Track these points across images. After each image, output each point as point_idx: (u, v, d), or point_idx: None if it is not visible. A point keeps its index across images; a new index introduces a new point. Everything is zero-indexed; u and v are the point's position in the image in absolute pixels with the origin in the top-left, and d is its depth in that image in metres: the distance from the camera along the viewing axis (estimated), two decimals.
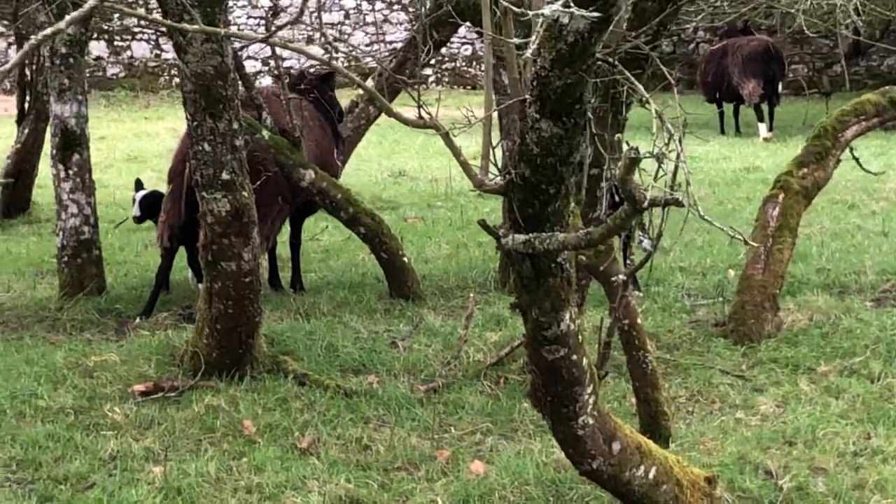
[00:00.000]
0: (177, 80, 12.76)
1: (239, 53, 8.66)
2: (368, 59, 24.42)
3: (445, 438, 6.85)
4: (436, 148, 18.00)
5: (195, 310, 8.28)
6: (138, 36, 28.80)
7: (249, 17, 28.86)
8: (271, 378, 7.63)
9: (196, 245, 7.94)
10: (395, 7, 29.47)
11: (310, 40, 25.59)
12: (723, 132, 21.61)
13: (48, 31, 2.78)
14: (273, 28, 6.69)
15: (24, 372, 7.78)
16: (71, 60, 9.66)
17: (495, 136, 9.42)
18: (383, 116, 10.88)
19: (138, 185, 10.27)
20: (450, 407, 7.32)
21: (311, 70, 10.70)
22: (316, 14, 8.81)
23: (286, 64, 23.60)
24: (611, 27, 4.23)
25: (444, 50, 26.05)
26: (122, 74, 29.05)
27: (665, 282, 10.13)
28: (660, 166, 4.44)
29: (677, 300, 9.56)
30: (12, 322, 9.26)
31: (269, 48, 13.62)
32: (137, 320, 9.12)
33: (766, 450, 6.55)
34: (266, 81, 26.63)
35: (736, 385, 7.69)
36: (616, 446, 5.20)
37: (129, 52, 29.10)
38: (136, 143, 20.41)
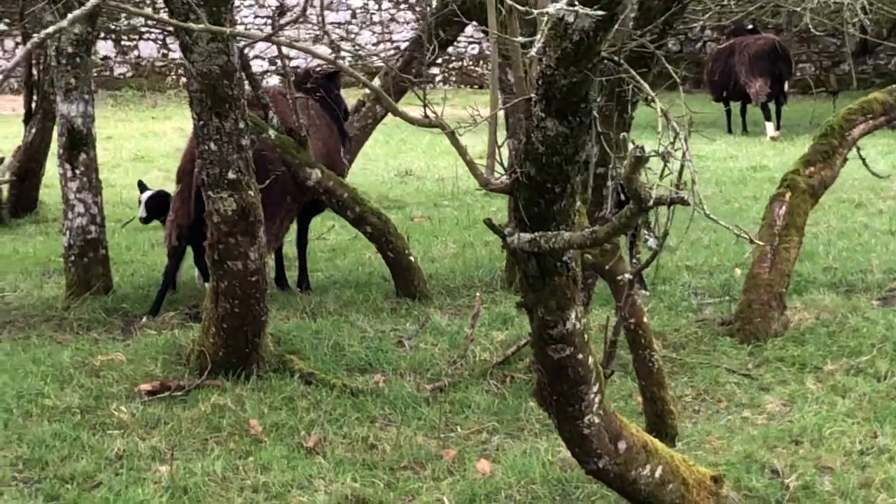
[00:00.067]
0: (184, 79, 12.80)
1: (245, 53, 8.65)
2: (374, 58, 24.45)
3: (451, 437, 6.85)
4: (442, 147, 17.99)
5: (201, 309, 8.28)
6: (145, 35, 28.83)
7: (257, 16, 28.88)
8: (277, 377, 7.63)
9: (203, 244, 7.95)
10: (402, 6, 29.47)
11: (316, 40, 25.58)
12: (730, 131, 21.59)
13: (50, 28, 2.78)
14: (281, 29, 6.69)
15: (30, 371, 7.79)
16: (77, 60, 9.67)
17: (501, 135, 9.43)
18: (390, 116, 10.88)
19: (141, 186, 10.28)
20: (456, 406, 7.32)
21: (317, 69, 10.69)
22: (323, 13, 8.79)
23: (294, 63, 23.62)
24: (616, 26, 4.23)
25: (450, 49, 26.06)
26: (129, 74, 29.07)
27: (671, 280, 10.12)
28: (665, 165, 4.43)
29: (684, 299, 9.55)
30: (19, 321, 9.26)
31: (275, 47, 13.64)
32: (144, 319, 9.13)
33: (772, 448, 6.54)
34: (273, 81, 26.64)
35: (742, 384, 7.69)
36: (622, 445, 5.20)
37: (136, 52, 29.12)
38: (143, 142, 20.43)
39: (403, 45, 13.55)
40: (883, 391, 7.43)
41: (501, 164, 5.70)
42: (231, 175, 7.44)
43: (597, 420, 5.11)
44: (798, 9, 10.89)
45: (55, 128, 10.45)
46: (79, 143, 9.76)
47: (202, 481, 6.14)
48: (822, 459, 6.39)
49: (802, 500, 5.97)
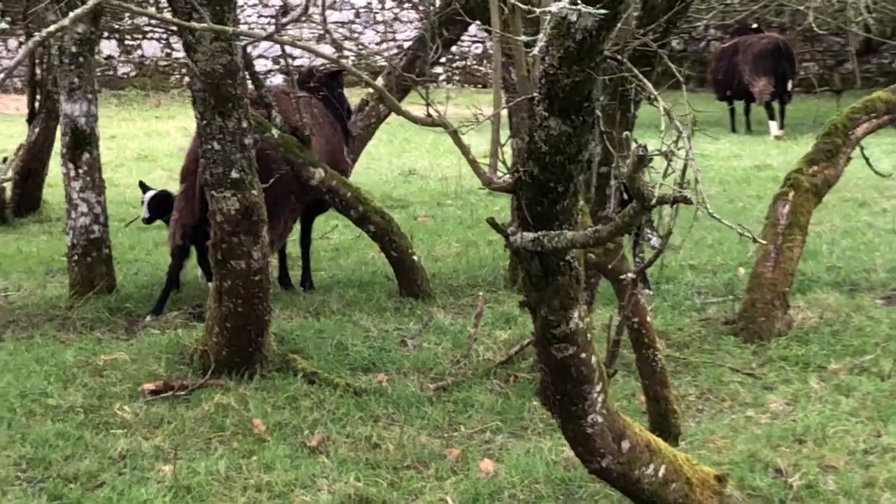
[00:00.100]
0: (187, 79, 12.79)
1: (248, 52, 8.65)
2: (378, 56, 24.44)
3: (455, 437, 6.85)
4: (446, 146, 17.99)
5: (205, 308, 8.28)
6: (149, 35, 28.83)
7: (260, 16, 28.89)
8: (281, 376, 7.64)
9: (206, 244, 7.95)
10: (406, 5, 29.47)
11: (320, 39, 25.60)
12: (734, 130, 21.60)
13: (52, 27, 2.78)
14: (283, 27, 6.68)
15: (34, 370, 7.80)
16: (81, 59, 9.67)
17: (505, 134, 9.42)
18: (393, 115, 10.88)
19: (143, 187, 10.29)
20: (459, 405, 7.32)
21: (321, 68, 10.68)
22: (324, 12, 8.78)
23: (298, 63, 23.62)
24: (619, 25, 4.23)
25: (454, 48, 26.03)
26: (132, 73, 29.07)
27: (675, 280, 10.12)
28: (668, 164, 4.43)
29: (687, 298, 9.55)
30: (23, 321, 9.27)
31: (279, 46, 13.63)
32: (147, 319, 9.13)
33: (776, 448, 6.53)
34: (277, 80, 26.64)
35: (746, 383, 7.68)
36: (625, 444, 5.19)
37: (139, 52, 29.12)
38: (146, 141, 20.43)
39: (407, 45, 13.54)
40: (887, 390, 7.43)
41: (504, 164, 5.70)
42: (234, 174, 7.44)
43: (600, 419, 5.10)
44: (802, 8, 10.88)
45: (59, 127, 10.46)
46: (82, 143, 9.76)
47: (205, 480, 6.14)
48: (826, 459, 6.39)
49: (806, 499, 5.97)
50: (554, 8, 4.11)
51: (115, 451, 6.54)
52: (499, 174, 5.28)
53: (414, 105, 5.71)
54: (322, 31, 24.53)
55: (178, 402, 7.26)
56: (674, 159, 4.40)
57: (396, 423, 7.02)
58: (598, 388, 5.06)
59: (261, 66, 25.48)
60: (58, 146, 10.53)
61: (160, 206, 9.97)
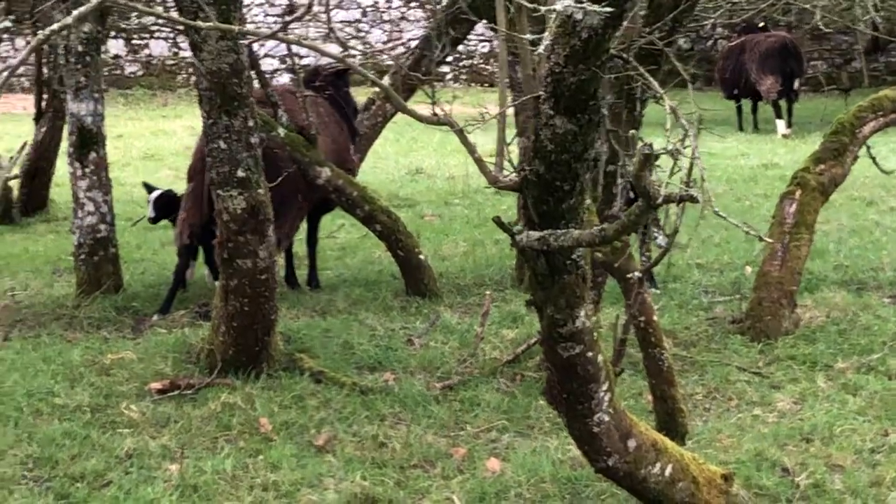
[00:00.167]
0: (194, 78, 12.76)
1: (254, 51, 8.65)
2: (384, 55, 24.43)
3: (461, 436, 6.84)
4: (453, 145, 17.96)
5: (211, 307, 8.28)
6: (156, 34, 28.85)
7: (267, 15, 28.90)
8: (287, 376, 7.64)
9: (213, 243, 7.95)
10: (413, 4, 29.47)
11: (327, 38, 25.59)
12: (741, 129, 21.58)
13: (55, 25, 2.78)
14: (287, 26, 6.68)
15: (40, 370, 7.80)
16: (87, 58, 9.68)
17: (511, 132, 9.41)
18: (400, 114, 10.88)
19: (148, 187, 10.29)
20: (466, 404, 7.31)
21: (326, 66, 10.68)
22: (330, 10, 8.79)
23: (305, 62, 23.62)
24: (625, 23, 4.22)
25: (461, 47, 26.03)
26: (139, 73, 29.09)
27: (682, 279, 10.12)
28: (675, 163, 4.42)
29: (694, 297, 9.54)
30: (29, 320, 9.27)
31: (285, 46, 13.63)
32: (154, 318, 9.14)
33: (783, 447, 6.52)
34: (284, 79, 26.65)
35: (753, 382, 7.68)
36: (632, 443, 5.19)
37: (147, 51, 29.14)
38: (153, 141, 20.44)
39: (414, 44, 13.54)
40: (894, 389, 7.42)
41: (510, 162, 5.70)
42: (240, 173, 7.44)
43: (606, 418, 5.10)
44: (809, 6, 10.85)
45: (65, 126, 10.46)
46: (89, 142, 9.77)
47: (212, 480, 6.14)
48: (833, 457, 6.38)
49: (813, 498, 5.96)
50: (559, 6, 4.11)
51: (122, 450, 6.54)
52: (505, 173, 5.28)
53: (420, 104, 5.70)
54: (328, 31, 24.52)
55: (184, 402, 7.27)
56: (680, 158, 4.39)
57: (403, 422, 7.02)
58: (604, 386, 5.06)
59: (267, 65, 25.48)
60: (64, 145, 10.53)
61: (166, 205, 9.98)
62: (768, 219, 9.32)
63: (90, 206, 9.77)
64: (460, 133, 4.85)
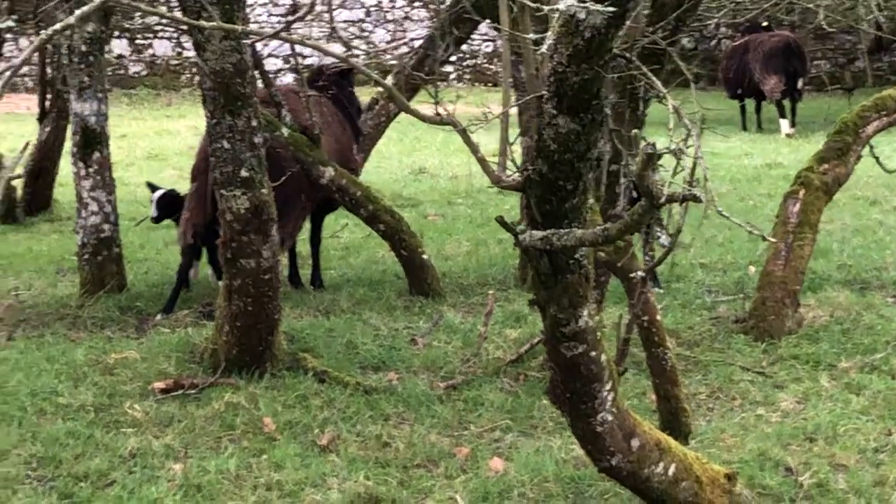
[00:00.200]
0: (198, 78, 12.75)
1: (258, 51, 8.65)
2: (388, 55, 24.43)
3: (465, 435, 6.84)
4: (456, 145, 17.97)
5: (215, 307, 8.29)
6: (160, 34, 28.86)
7: (271, 14, 28.90)
8: (291, 375, 7.64)
9: (216, 242, 7.95)
10: (416, 4, 29.47)
11: (331, 38, 25.59)
12: (744, 128, 21.57)
13: (58, 25, 2.78)
14: (290, 26, 6.68)
15: (44, 369, 7.81)
16: (91, 58, 9.68)
17: (514, 132, 9.41)
18: (404, 113, 10.89)
19: (151, 186, 10.30)
20: (469, 404, 7.31)
21: (330, 66, 10.68)
22: (333, 10, 8.79)
23: (309, 62, 23.63)
24: (628, 22, 4.22)
25: (465, 47, 26.02)
26: (143, 73, 29.11)
27: (685, 278, 10.11)
28: (678, 162, 4.42)
29: (697, 296, 9.54)
30: (33, 320, 9.28)
31: (289, 45, 13.63)
32: (158, 318, 9.14)
33: (786, 446, 6.52)
34: (288, 79, 26.65)
35: (756, 381, 7.67)
36: (635, 443, 5.19)
37: (150, 51, 29.16)
38: (157, 140, 20.45)
39: (418, 43, 13.54)
40: None
41: (514, 162, 5.70)
42: (244, 173, 7.44)
43: (610, 418, 5.10)
44: (812, 6, 10.85)
45: (69, 126, 10.47)
46: (92, 142, 9.77)
47: (216, 479, 6.14)
48: (837, 457, 6.38)
49: (816, 497, 5.96)
50: (562, 6, 4.11)
51: (126, 449, 6.54)
52: (508, 173, 5.28)
53: (424, 104, 5.71)
54: (332, 30, 24.52)
55: (188, 401, 7.27)
56: (683, 157, 4.39)
57: (406, 422, 7.02)
58: (607, 386, 5.06)
59: (271, 64, 25.47)
60: (68, 145, 10.54)
61: (169, 205, 9.99)
62: (772, 218, 9.31)
63: (94, 206, 9.78)
64: (463, 133, 4.86)
